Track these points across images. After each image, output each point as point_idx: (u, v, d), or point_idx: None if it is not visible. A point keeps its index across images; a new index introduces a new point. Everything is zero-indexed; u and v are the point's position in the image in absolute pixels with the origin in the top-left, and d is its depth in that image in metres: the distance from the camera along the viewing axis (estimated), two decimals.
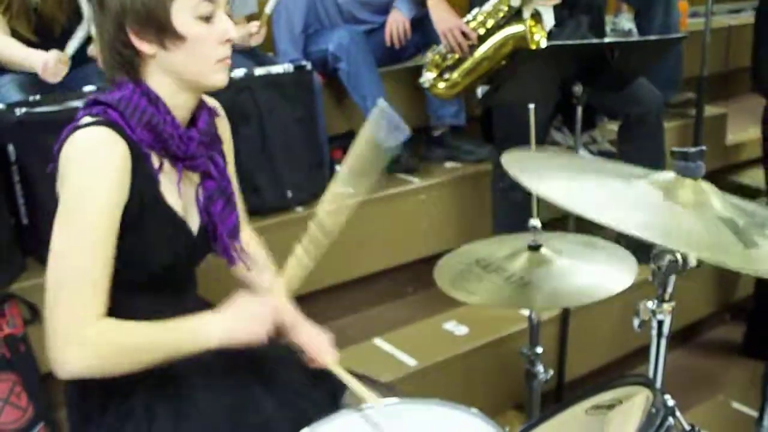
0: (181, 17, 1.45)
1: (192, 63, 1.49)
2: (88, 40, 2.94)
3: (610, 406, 1.15)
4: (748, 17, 5.09)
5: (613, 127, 3.72)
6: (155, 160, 1.51)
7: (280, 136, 2.90)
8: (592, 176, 1.39)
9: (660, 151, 3.15)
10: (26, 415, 2.32)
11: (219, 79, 1.52)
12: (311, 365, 1.67)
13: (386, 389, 1.68)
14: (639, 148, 3.09)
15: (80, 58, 2.96)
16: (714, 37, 3.66)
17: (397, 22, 3.38)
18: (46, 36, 2.89)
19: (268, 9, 3.06)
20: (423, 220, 3.22)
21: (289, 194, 2.95)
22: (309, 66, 3.05)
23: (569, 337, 2.57)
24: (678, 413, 1.19)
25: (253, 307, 1.55)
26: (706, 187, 1.28)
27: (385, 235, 3.09)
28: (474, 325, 2.78)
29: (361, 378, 1.70)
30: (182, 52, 1.47)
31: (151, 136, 1.48)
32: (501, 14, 2.83)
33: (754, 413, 2.60)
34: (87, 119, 1.45)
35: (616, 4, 4.47)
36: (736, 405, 2.93)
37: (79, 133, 1.43)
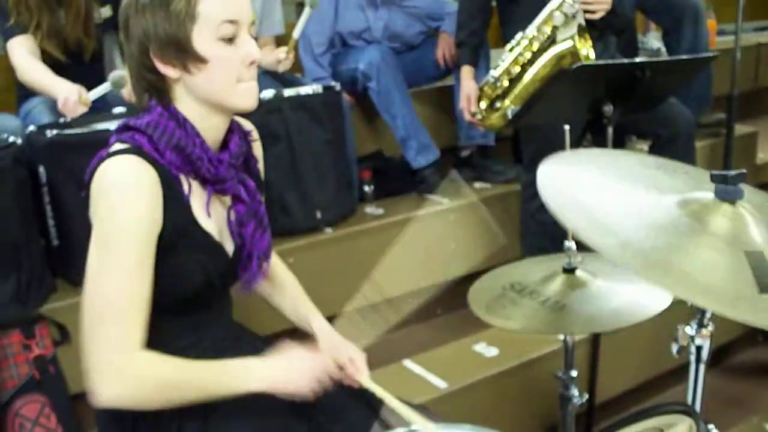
0: (203, 39, 1.44)
1: (216, 85, 1.47)
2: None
3: None
4: None
5: (644, 146, 3.70)
6: (185, 183, 1.50)
7: (309, 156, 2.91)
8: (627, 186, 1.35)
9: None
10: None
11: (245, 101, 1.51)
12: (347, 383, 1.66)
13: (419, 411, 1.67)
14: None
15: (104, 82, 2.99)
16: (743, 55, 3.62)
17: (448, 45, 3.46)
18: (76, 59, 2.92)
19: (296, 34, 3.07)
20: (451, 241, 3.20)
21: (319, 215, 2.94)
22: (338, 87, 3.06)
23: (600, 358, 2.54)
24: None
25: (302, 362, 1.53)
26: (745, 211, 1.25)
27: (413, 256, 3.08)
28: (504, 346, 2.74)
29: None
30: (205, 75, 1.46)
31: (180, 158, 1.48)
32: (546, 35, 2.80)
33: None
34: (116, 146, 1.45)
35: (644, 23, 4.44)
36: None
37: (108, 162, 1.42)
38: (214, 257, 1.56)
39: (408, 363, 2.70)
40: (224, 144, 1.57)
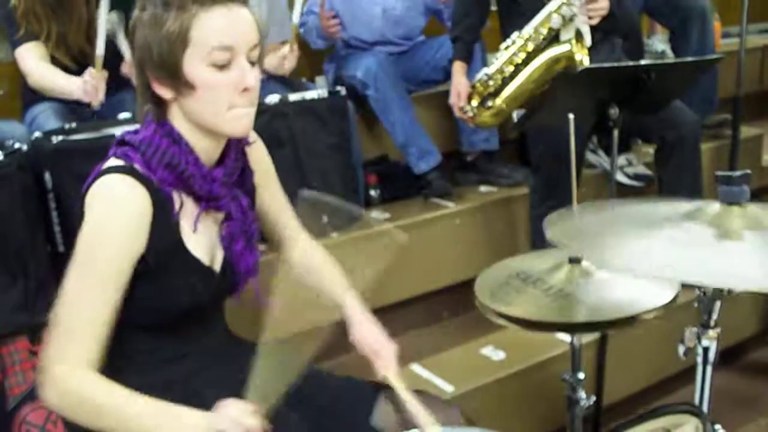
0: (193, 65, 1.41)
1: (205, 110, 1.45)
2: (119, 60, 2.97)
3: None
4: None
5: (649, 149, 3.69)
6: (177, 201, 1.50)
7: (315, 161, 2.91)
8: (643, 227, 1.36)
9: (697, 175, 3.11)
10: None
11: (235, 128, 1.48)
12: (372, 376, 1.66)
13: (448, 406, 1.70)
14: (676, 173, 3.05)
15: (115, 85, 2.99)
16: (748, 58, 3.62)
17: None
18: (83, 66, 2.93)
19: (295, 18, 3.07)
20: (458, 245, 3.20)
21: (324, 219, 2.94)
22: (343, 91, 3.06)
23: (607, 361, 2.53)
24: None
25: (235, 420, 1.39)
26: (755, 209, 1.25)
27: (419, 260, 3.08)
28: (511, 349, 2.74)
29: (420, 393, 1.69)
30: (195, 100, 1.44)
31: (173, 176, 1.47)
32: (542, 37, 2.80)
33: None
34: (112, 161, 1.46)
35: (649, 25, 4.43)
36: None
37: (101, 180, 1.43)
38: (202, 279, 1.56)
39: (415, 367, 2.70)
40: (221, 159, 1.57)
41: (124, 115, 2.82)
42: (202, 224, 1.55)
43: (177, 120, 1.49)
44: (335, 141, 2.98)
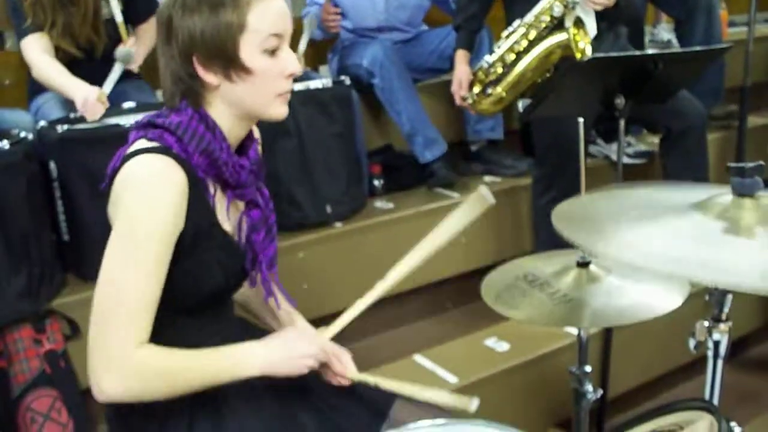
0: (249, 50, 1.45)
1: (255, 95, 1.49)
2: (118, 42, 2.98)
3: None
4: None
5: (653, 139, 3.68)
6: (210, 186, 1.51)
7: (319, 151, 2.90)
8: (651, 217, 1.34)
9: (704, 165, 3.10)
10: (66, 431, 2.32)
11: (279, 112, 1.53)
12: (335, 382, 1.66)
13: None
14: (683, 162, 3.05)
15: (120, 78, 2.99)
16: (755, 47, 3.59)
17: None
18: (90, 55, 2.93)
19: (301, 46, 3.09)
20: (462, 235, 3.17)
21: (329, 209, 2.94)
22: (347, 81, 3.05)
23: (612, 353, 2.52)
24: None
25: (301, 344, 1.55)
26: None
27: None
28: (515, 341, 2.73)
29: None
30: (246, 85, 1.47)
31: (207, 162, 1.48)
32: (543, 24, 2.77)
33: None
34: (143, 143, 1.45)
35: (655, 14, 4.41)
36: None
37: (138, 159, 1.42)
38: (233, 257, 1.57)
39: (418, 358, 2.69)
40: (240, 149, 1.58)
41: (128, 104, 2.82)
42: (229, 212, 1.57)
43: (212, 107, 1.50)
44: (339, 131, 2.97)
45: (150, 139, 1.45)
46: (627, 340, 2.74)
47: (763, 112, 4.34)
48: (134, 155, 1.43)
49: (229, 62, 1.45)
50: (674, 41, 4.00)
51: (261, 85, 1.48)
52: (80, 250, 2.52)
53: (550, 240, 2.96)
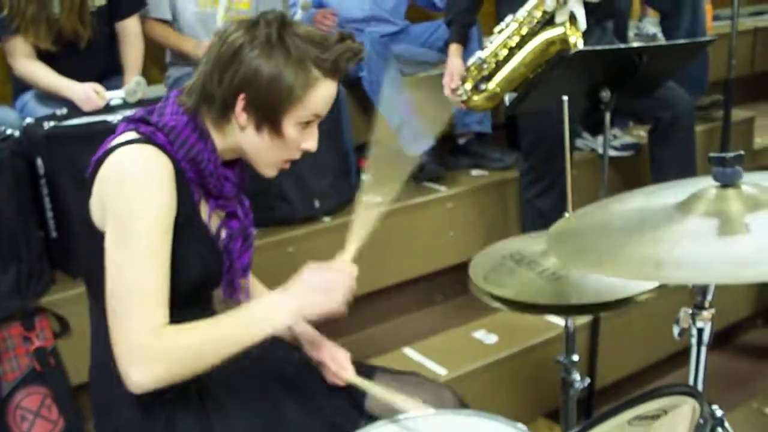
0: (291, 119, 1.47)
1: (267, 153, 1.51)
2: (114, 44, 2.99)
3: (655, 417, 1.12)
4: None
5: (640, 132, 3.71)
6: (194, 191, 1.52)
7: None
8: (640, 228, 1.35)
9: (692, 155, 3.13)
10: (57, 428, 2.33)
11: (271, 173, 1.56)
12: (331, 381, 1.68)
13: (442, 389, 1.73)
14: (671, 152, 3.08)
15: (105, 72, 2.98)
16: (739, 40, 3.62)
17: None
18: (71, 48, 2.90)
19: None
20: (450, 228, 3.20)
21: (317, 204, 2.95)
22: None
23: (600, 343, 2.54)
24: (726, 424, 1.17)
25: (325, 276, 1.46)
26: (751, 190, 1.26)
27: (412, 243, 3.09)
28: (503, 333, 2.75)
29: (411, 374, 1.74)
30: (267, 142, 1.48)
31: (193, 170, 1.49)
32: (536, 20, 2.77)
33: None
34: (132, 135, 1.45)
35: (640, 8, 4.43)
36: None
37: (126, 149, 1.42)
38: (212, 251, 1.57)
39: (408, 350, 2.71)
40: (228, 161, 1.59)
41: (115, 101, 2.81)
42: (211, 218, 1.58)
43: (221, 135, 1.51)
44: (327, 126, 2.95)
45: (141, 133, 1.45)
46: (615, 330, 2.76)
47: (746, 105, 4.37)
48: (122, 145, 1.43)
49: (270, 119, 1.46)
50: (660, 35, 4.01)
51: (279, 149, 1.50)
52: (68, 247, 2.52)
53: (537, 232, 2.99)
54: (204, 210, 1.55)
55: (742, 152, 1.26)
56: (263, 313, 1.44)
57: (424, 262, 3.14)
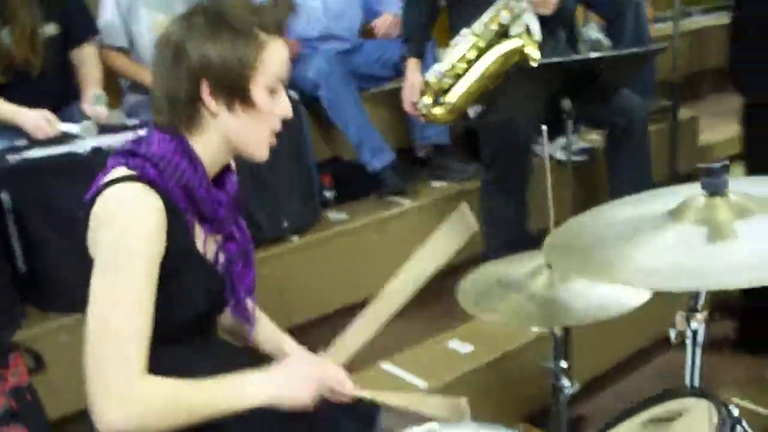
0: (258, 87, 1.48)
1: (250, 130, 1.52)
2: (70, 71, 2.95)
3: (669, 420, 1.16)
4: (702, 20, 5.32)
5: (593, 136, 3.79)
6: (189, 218, 1.52)
7: (271, 167, 2.90)
8: (631, 237, 1.40)
9: (647, 159, 3.21)
10: None
11: (263, 153, 1.57)
12: (335, 400, 1.67)
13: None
14: (627, 157, 3.16)
15: (59, 101, 2.95)
16: (679, 42, 3.74)
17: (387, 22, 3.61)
18: (22, 78, 2.87)
19: None
20: (416, 241, 3.21)
21: (285, 224, 2.95)
22: (295, 95, 3.06)
23: (574, 343, 2.58)
24: (744, 423, 1.21)
25: (304, 370, 1.55)
26: (738, 198, 1.32)
27: (378, 258, 3.10)
28: (477, 342, 2.78)
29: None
30: (245, 118, 1.50)
31: (185, 196, 1.49)
32: (492, 33, 2.82)
33: (757, 408, 2.63)
34: (123, 171, 1.45)
35: (584, 14, 4.54)
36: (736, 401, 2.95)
37: (116, 188, 1.42)
38: (212, 279, 1.58)
39: (385, 365, 2.72)
40: (218, 180, 1.59)
41: (77, 131, 2.77)
42: (206, 243, 1.57)
43: (201, 135, 1.51)
44: (290, 144, 2.99)
45: (130, 167, 1.45)
46: (583, 331, 2.80)
47: (688, 104, 4.49)
48: (112, 183, 1.43)
49: (238, 94, 1.47)
50: (603, 40, 4.12)
51: (259, 121, 1.51)
52: (39, 281, 2.48)
53: (500, 241, 3.04)
54: (199, 237, 1.55)
55: (727, 162, 1.31)
56: (240, 390, 1.48)
57: (392, 276, 3.15)
